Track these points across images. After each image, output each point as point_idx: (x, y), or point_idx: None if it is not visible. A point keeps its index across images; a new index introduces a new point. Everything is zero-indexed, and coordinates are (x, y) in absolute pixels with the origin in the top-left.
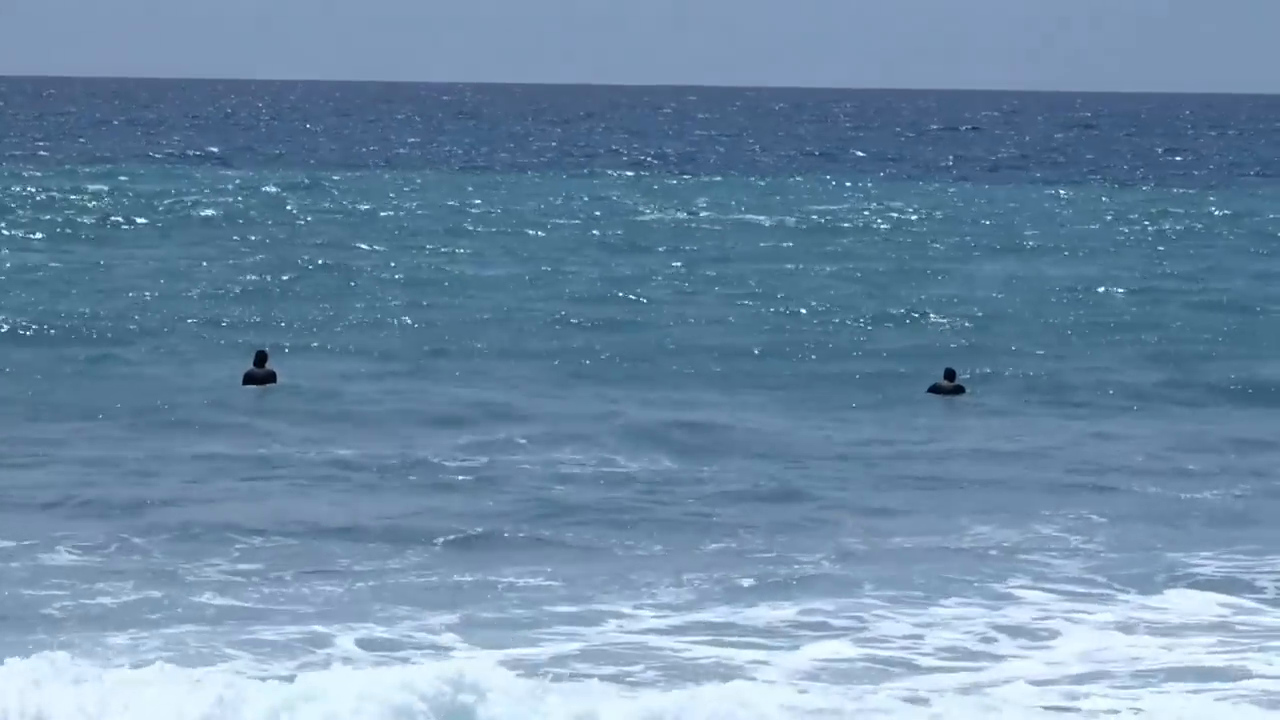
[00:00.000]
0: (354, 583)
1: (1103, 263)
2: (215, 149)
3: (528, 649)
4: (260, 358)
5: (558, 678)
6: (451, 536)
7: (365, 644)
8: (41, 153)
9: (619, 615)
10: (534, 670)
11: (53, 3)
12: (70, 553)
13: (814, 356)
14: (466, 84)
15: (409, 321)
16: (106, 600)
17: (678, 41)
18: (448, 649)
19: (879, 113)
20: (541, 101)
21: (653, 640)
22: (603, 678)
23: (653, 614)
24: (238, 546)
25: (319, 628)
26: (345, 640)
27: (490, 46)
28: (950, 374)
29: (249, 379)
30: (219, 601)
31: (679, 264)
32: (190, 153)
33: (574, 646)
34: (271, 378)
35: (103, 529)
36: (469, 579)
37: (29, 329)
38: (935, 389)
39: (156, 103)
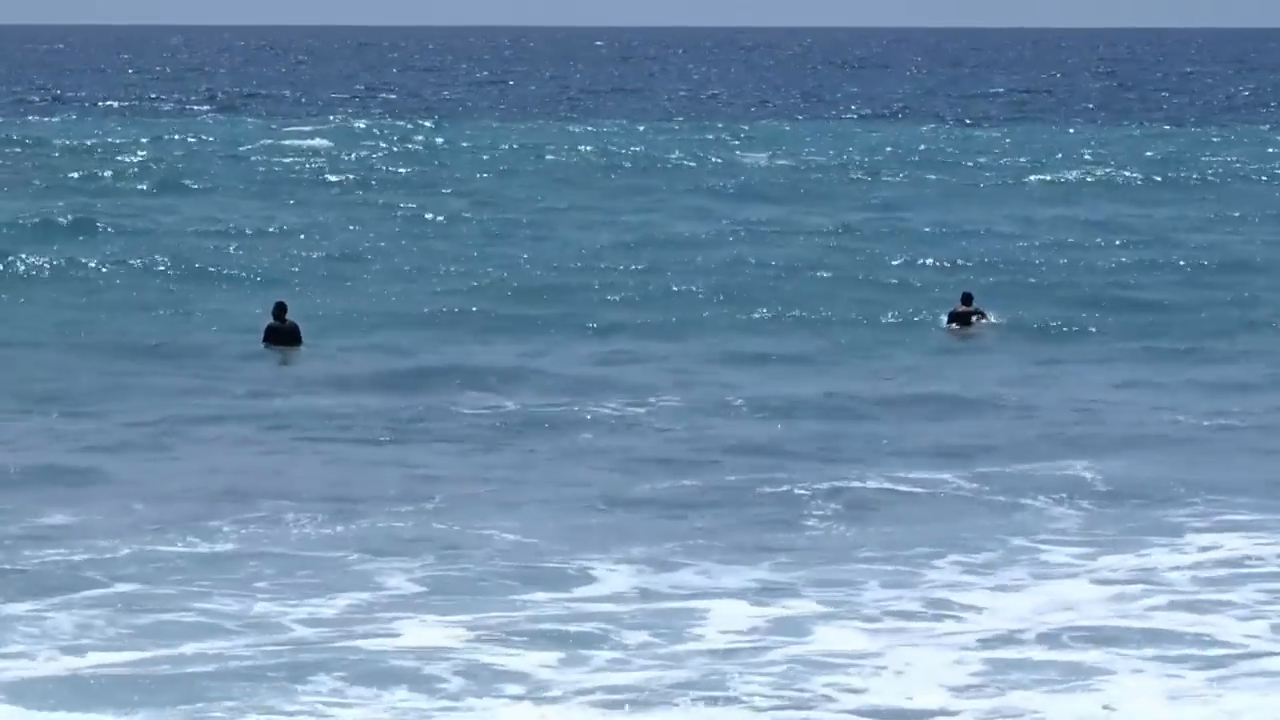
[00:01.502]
0: (325, 543)
1: (1148, 203)
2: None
3: (494, 613)
4: (280, 309)
5: (510, 642)
6: (439, 496)
7: (320, 612)
8: (101, 102)
9: (587, 580)
10: (486, 638)
11: None
12: (59, 513)
13: (824, 296)
14: (469, 27)
15: (448, 274)
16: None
17: None
18: (405, 614)
19: (880, 53)
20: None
21: (612, 606)
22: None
23: (626, 575)
24: (203, 510)
25: (276, 592)
26: (304, 606)
27: None
28: (968, 298)
29: (270, 334)
30: (166, 572)
31: (712, 207)
32: (243, 97)
33: (538, 611)
34: (295, 332)
35: (94, 487)
36: (448, 539)
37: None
38: (955, 316)
39: (149, 51)
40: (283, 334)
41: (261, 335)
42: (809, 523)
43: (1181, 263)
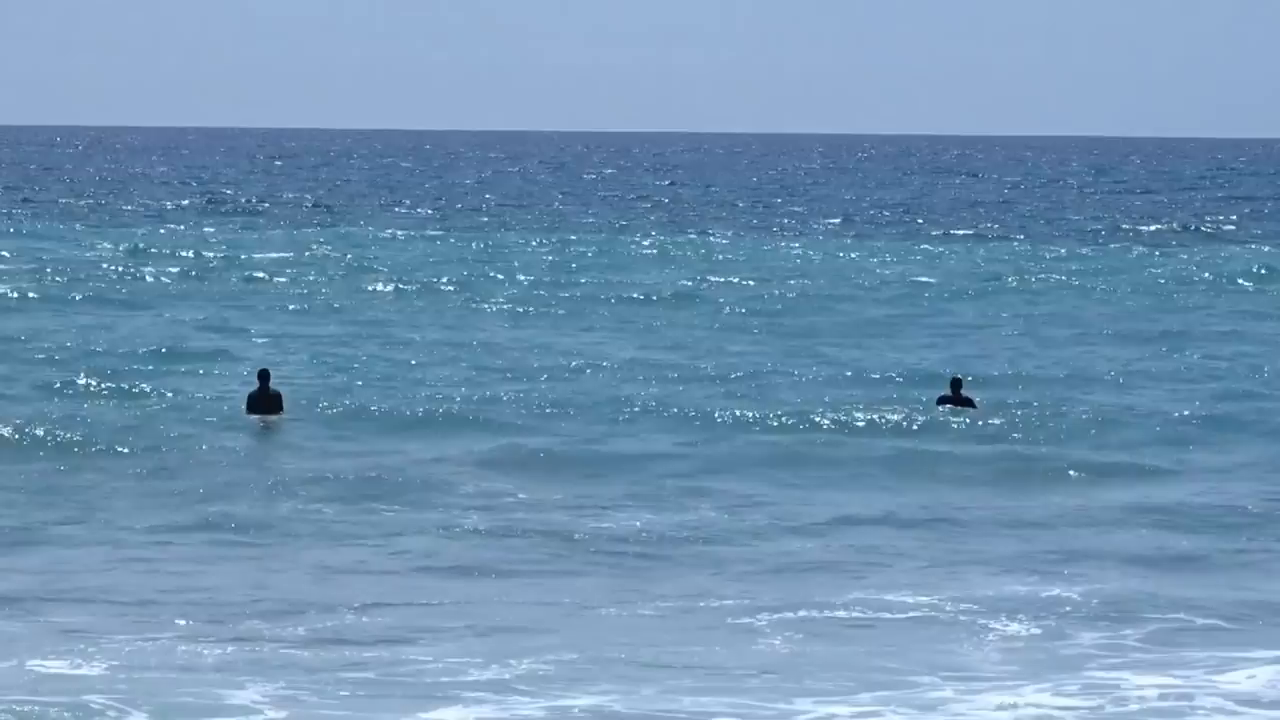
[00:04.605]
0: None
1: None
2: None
3: None
4: (263, 375)
5: None
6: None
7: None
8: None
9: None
10: None
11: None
12: None
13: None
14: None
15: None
16: None
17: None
18: None
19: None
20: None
21: None
22: None
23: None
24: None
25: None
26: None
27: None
28: (957, 383)
29: (253, 403)
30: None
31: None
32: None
33: None
34: (277, 400)
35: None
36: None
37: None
38: (945, 400)
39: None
40: (265, 402)
41: (245, 407)
42: (775, 641)
43: None
